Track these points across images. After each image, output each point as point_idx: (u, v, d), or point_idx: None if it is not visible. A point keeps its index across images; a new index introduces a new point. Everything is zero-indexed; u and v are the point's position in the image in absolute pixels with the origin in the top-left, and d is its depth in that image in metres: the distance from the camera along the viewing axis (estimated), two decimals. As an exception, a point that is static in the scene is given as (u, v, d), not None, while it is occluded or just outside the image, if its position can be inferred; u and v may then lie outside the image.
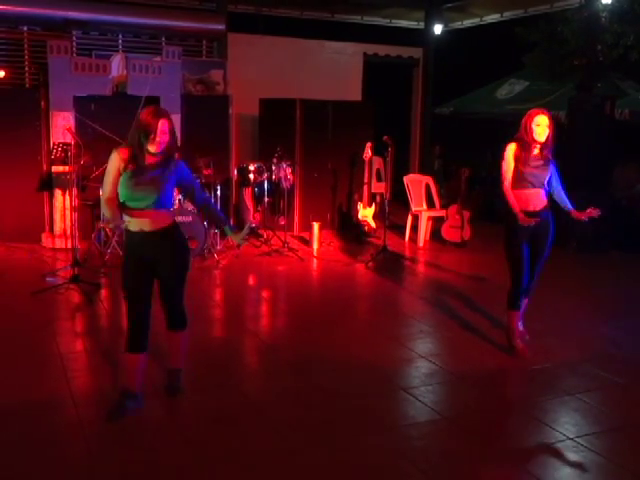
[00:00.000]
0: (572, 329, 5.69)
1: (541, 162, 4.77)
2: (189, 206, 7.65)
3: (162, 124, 3.62)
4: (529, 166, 4.74)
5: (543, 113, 4.76)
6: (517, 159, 4.76)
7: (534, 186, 4.78)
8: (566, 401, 4.31)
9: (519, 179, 4.77)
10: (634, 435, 3.91)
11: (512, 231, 4.85)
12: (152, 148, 3.65)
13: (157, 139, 3.61)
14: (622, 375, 4.72)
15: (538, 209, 4.81)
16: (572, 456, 3.61)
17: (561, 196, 4.96)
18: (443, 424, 3.97)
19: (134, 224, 3.74)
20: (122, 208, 3.72)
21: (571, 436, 3.82)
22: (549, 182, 4.87)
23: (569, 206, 4.92)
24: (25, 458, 3.44)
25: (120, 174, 3.68)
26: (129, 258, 3.83)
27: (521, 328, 5.09)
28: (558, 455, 3.63)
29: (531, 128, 4.71)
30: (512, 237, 4.87)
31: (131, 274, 3.82)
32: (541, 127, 4.70)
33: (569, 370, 4.81)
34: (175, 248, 3.88)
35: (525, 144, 4.74)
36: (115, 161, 3.69)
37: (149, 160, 3.70)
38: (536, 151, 4.76)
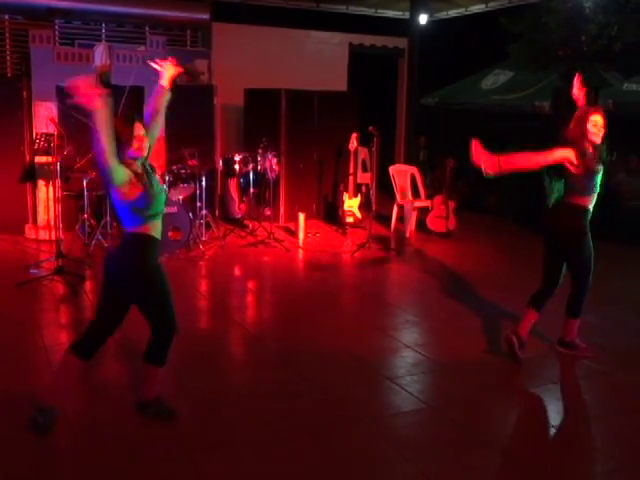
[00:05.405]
0: (556, 317, 5.72)
1: (599, 164, 4.44)
2: (174, 196, 7.62)
3: (139, 128, 3.46)
4: (596, 170, 4.39)
5: (598, 112, 4.41)
6: (578, 164, 4.35)
7: (594, 191, 4.48)
8: (550, 389, 4.35)
9: (589, 186, 4.42)
10: (618, 422, 3.95)
11: (586, 233, 4.53)
12: (136, 155, 3.44)
13: (136, 145, 3.42)
14: (605, 363, 4.77)
15: None
16: (556, 444, 3.65)
17: None
18: (428, 413, 3.99)
19: (158, 230, 3.56)
20: (150, 217, 3.48)
21: (555, 424, 3.86)
22: None
23: None
24: (9, 450, 3.42)
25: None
26: (155, 269, 3.55)
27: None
28: (542, 443, 3.66)
29: (587, 129, 4.37)
30: (587, 239, 4.54)
31: (163, 283, 3.56)
32: (597, 127, 4.38)
33: (553, 358, 4.85)
34: None
35: (581, 148, 4.36)
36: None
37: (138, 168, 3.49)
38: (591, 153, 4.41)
